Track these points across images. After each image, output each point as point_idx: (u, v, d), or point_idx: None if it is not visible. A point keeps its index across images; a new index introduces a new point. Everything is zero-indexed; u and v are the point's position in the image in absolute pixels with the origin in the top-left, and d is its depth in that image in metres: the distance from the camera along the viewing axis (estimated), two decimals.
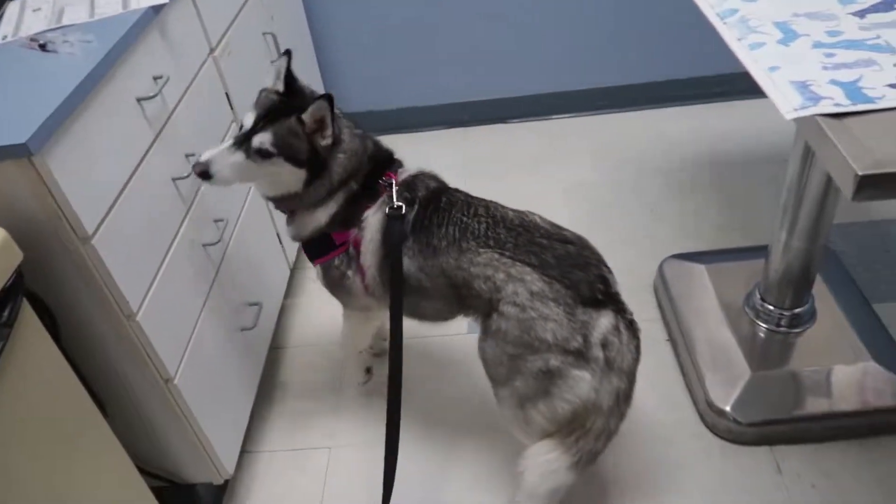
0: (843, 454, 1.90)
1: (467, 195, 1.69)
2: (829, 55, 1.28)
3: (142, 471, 1.61)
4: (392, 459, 1.61)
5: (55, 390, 1.33)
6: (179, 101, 1.73)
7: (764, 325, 2.12)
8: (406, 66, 3.27)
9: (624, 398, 1.51)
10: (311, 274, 2.09)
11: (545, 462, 1.52)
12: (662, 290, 2.36)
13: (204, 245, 1.78)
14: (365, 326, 2.06)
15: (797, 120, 1.15)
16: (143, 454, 1.71)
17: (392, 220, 1.61)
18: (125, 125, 1.51)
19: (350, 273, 1.72)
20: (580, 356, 1.44)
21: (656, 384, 2.13)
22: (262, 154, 1.51)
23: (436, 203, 1.63)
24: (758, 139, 3.09)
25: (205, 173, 1.51)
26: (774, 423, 1.95)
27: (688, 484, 1.88)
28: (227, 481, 1.86)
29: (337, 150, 1.59)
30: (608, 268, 1.56)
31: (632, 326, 1.52)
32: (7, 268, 1.16)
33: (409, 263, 1.60)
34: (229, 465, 1.83)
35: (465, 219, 1.59)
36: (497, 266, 1.50)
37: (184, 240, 1.68)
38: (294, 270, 2.59)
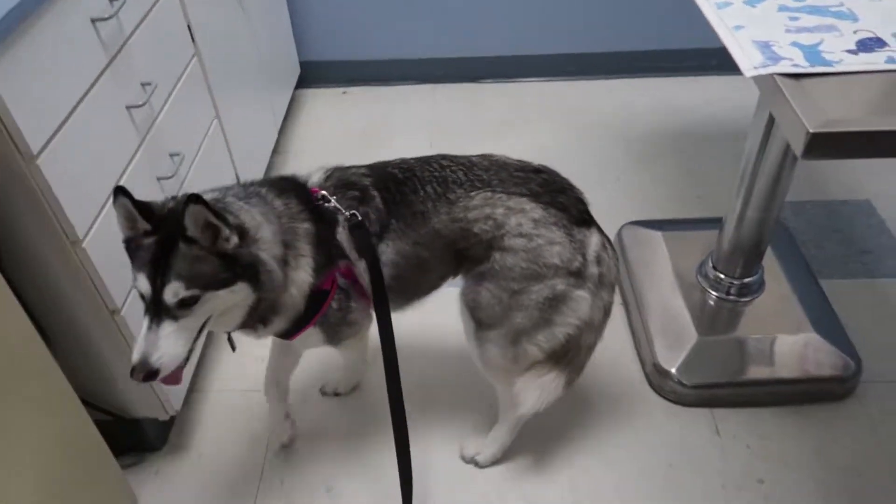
0: (780, 419, 1.96)
1: (409, 159, 1.60)
2: (794, 18, 1.29)
3: (86, 403, 1.59)
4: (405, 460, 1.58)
5: None
6: (137, 26, 1.67)
7: (714, 293, 2.17)
8: (379, 18, 3.22)
9: (608, 311, 1.62)
10: None
11: (544, 383, 1.59)
12: (619, 255, 2.39)
13: (158, 178, 1.74)
14: (363, 342, 1.91)
15: (756, 78, 1.17)
16: (88, 387, 1.68)
17: (354, 230, 1.46)
18: (78, 45, 1.44)
19: (353, 303, 1.57)
20: (580, 276, 1.51)
21: (607, 345, 2.12)
22: (186, 303, 1.25)
23: (392, 178, 1.53)
24: (723, 115, 3.13)
25: (150, 374, 1.25)
26: (716, 386, 2.01)
27: (630, 441, 1.94)
28: (172, 417, 1.85)
29: (251, 239, 1.32)
30: (579, 190, 1.60)
31: (610, 243, 1.60)
32: None
33: (402, 245, 1.51)
34: (176, 402, 1.82)
35: (436, 174, 1.53)
36: (494, 203, 1.48)
37: (136, 171, 1.64)
38: None
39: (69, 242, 1.42)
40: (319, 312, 1.51)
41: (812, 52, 1.19)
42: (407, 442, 1.56)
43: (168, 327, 1.25)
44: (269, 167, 2.83)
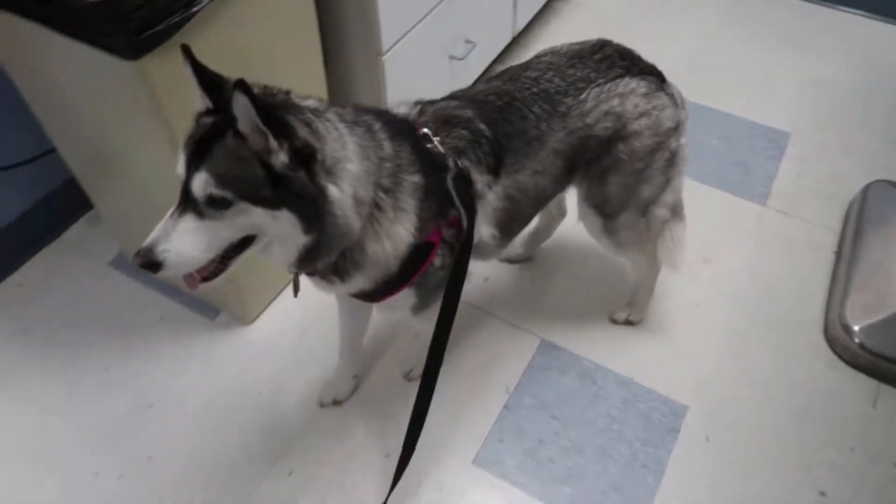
0: None
1: (492, 81, 1.48)
2: None
3: None
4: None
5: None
6: None
7: None
8: None
9: None
10: None
11: (675, 236, 1.75)
12: (857, 208, 2.22)
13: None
14: None
15: None
16: None
17: (457, 180, 1.30)
18: None
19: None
20: (681, 125, 1.56)
21: (800, 283, 2.10)
22: (215, 203, 1.05)
23: (493, 107, 1.39)
24: None
25: (150, 263, 1.07)
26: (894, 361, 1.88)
27: (780, 381, 1.92)
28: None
29: (322, 167, 1.08)
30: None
31: None
32: None
33: (520, 178, 1.41)
34: None
35: (534, 89, 1.42)
36: (605, 96, 1.44)
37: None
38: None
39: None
40: (420, 271, 1.33)
41: None
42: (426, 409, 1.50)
43: (189, 222, 1.07)
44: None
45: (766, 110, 2.62)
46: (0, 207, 2.10)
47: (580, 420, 1.84)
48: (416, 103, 1.39)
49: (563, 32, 2.92)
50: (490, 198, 1.38)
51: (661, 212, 1.66)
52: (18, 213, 2.14)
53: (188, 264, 1.09)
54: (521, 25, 2.62)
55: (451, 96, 1.44)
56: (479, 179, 1.35)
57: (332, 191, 1.09)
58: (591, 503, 1.69)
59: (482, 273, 2.14)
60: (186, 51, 1.04)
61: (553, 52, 1.52)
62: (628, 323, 2.02)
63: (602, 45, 1.51)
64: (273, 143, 1.02)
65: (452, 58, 2.16)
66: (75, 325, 2.04)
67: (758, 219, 2.29)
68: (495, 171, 1.37)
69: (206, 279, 1.14)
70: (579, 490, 1.71)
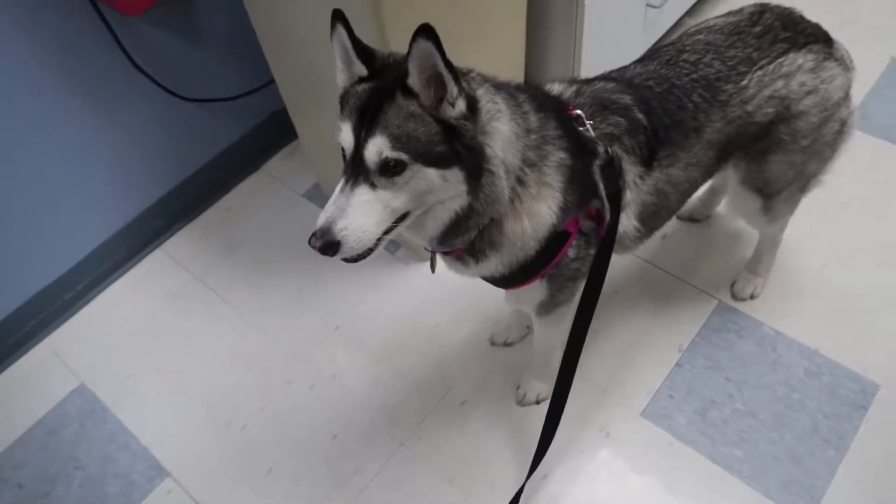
0: None
1: (650, 64, 1.38)
2: None
3: None
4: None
5: None
6: None
7: None
8: None
9: None
10: None
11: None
12: None
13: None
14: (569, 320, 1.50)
15: None
16: None
17: (605, 169, 1.24)
18: None
19: (591, 252, 1.35)
20: (850, 90, 1.45)
21: None
22: (390, 169, 1.03)
23: (651, 93, 1.32)
24: None
25: (328, 244, 1.04)
26: None
27: None
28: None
29: (480, 122, 1.08)
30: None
31: None
32: None
33: (673, 171, 1.35)
34: None
35: (693, 75, 1.32)
36: (769, 79, 1.33)
37: None
38: None
39: None
40: (555, 259, 1.27)
41: None
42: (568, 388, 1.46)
43: (363, 194, 1.04)
44: None
45: None
46: (222, 133, 2.33)
47: (756, 385, 1.78)
48: (572, 82, 1.34)
49: None
50: (638, 191, 1.32)
51: (822, 179, 1.56)
52: (236, 138, 2.37)
53: (364, 241, 1.05)
54: None
55: (608, 77, 1.37)
56: (631, 171, 1.30)
57: (490, 150, 1.09)
58: (765, 470, 1.65)
59: (660, 232, 2.10)
60: (339, 16, 1.03)
61: (709, 28, 1.41)
62: (752, 297, 1.92)
63: (761, 13, 1.40)
64: (454, 88, 1.01)
65: (649, 6, 2.10)
66: (274, 249, 2.25)
67: None
68: (648, 162, 1.30)
69: (359, 257, 1.09)
70: (752, 454, 1.67)
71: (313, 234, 1.04)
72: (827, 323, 1.86)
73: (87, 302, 2.19)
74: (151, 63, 1.98)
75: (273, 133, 2.43)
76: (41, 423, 1.95)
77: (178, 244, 2.31)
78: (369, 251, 1.09)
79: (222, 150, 2.35)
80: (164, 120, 2.13)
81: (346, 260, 1.09)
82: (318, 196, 2.34)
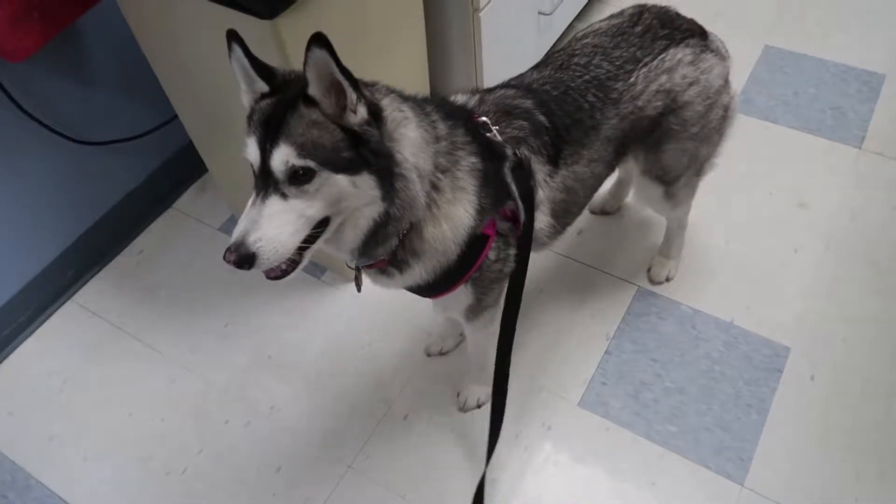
0: None
1: (543, 69, 1.45)
2: None
3: None
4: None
5: None
6: None
7: None
8: None
9: None
10: None
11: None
12: None
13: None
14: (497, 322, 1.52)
15: None
16: None
17: (515, 170, 1.29)
18: None
19: (511, 251, 1.37)
20: (728, 75, 1.54)
21: None
22: (299, 178, 1.03)
23: (549, 97, 1.38)
24: None
25: (244, 258, 1.03)
26: None
27: (883, 320, 1.91)
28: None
29: (386, 130, 1.09)
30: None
31: None
32: None
33: (578, 168, 1.41)
34: None
35: (586, 77, 1.40)
36: (654, 74, 1.42)
37: None
38: None
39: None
40: (477, 262, 1.30)
41: None
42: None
43: (275, 205, 1.04)
44: None
45: (859, 53, 2.56)
46: (127, 174, 2.26)
47: (681, 362, 1.88)
48: (474, 92, 1.38)
49: None
50: (549, 189, 1.37)
51: (715, 162, 1.67)
52: (143, 178, 2.30)
53: (281, 252, 1.05)
54: None
55: (507, 85, 1.42)
56: (540, 170, 1.35)
57: (398, 155, 1.10)
58: (698, 440, 1.74)
59: (575, 227, 2.18)
60: (234, 36, 1.04)
61: (595, 31, 1.49)
62: (668, 280, 2.03)
63: (640, 14, 1.49)
64: (353, 94, 1.02)
65: (541, 13, 2.19)
66: (195, 287, 2.19)
67: (854, 162, 2.25)
68: (555, 161, 1.36)
69: (284, 272, 1.10)
70: (685, 428, 1.76)
71: (227, 249, 1.03)
72: (737, 295, 1.98)
73: None
74: (43, 109, 1.91)
75: (181, 169, 2.37)
76: None
77: (92, 293, 2.21)
78: (294, 264, 1.10)
79: (129, 191, 2.27)
80: (63, 166, 2.05)
81: (271, 277, 1.10)
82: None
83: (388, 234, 1.17)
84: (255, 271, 1.07)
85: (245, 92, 1.11)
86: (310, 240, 1.09)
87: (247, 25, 1.34)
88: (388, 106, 1.11)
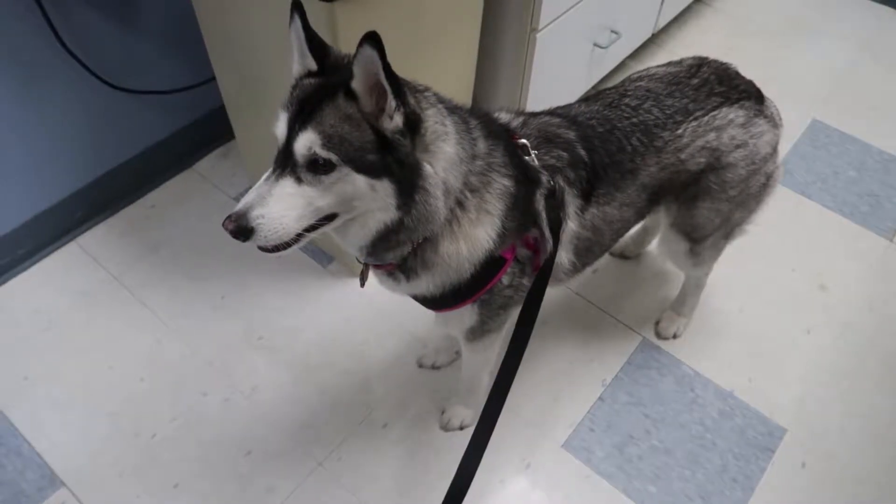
0: None
1: (594, 104, 1.42)
2: None
3: None
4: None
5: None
6: None
7: None
8: None
9: None
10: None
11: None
12: None
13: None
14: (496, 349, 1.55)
15: None
16: None
17: (548, 199, 1.25)
18: None
19: (525, 280, 1.34)
20: (777, 145, 1.52)
21: None
22: (318, 167, 1.01)
23: (594, 133, 1.35)
24: None
25: (241, 229, 1.01)
26: None
27: (886, 417, 1.86)
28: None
29: (421, 140, 1.06)
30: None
31: None
32: None
33: (608, 209, 1.37)
34: None
35: (634, 120, 1.37)
36: (702, 130, 1.39)
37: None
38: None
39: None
40: (489, 284, 1.26)
41: None
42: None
43: (287, 186, 1.02)
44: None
45: None
46: (152, 127, 2.23)
47: (673, 423, 1.83)
48: (519, 113, 1.36)
49: (698, 38, 2.87)
50: (576, 224, 1.34)
51: (746, 228, 1.64)
52: (168, 133, 2.27)
53: (280, 233, 1.03)
54: (662, 23, 2.60)
55: (553, 112, 1.40)
56: (572, 203, 1.31)
57: (427, 168, 1.07)
58: None
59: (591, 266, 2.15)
60: (298, 7, 1.01)
61: (651, 76, 1.47)
62: (675, 337, 1.99)
63: (699, 66, 1.46)
64: (393, 101, 0.99)
65: (596, 45, 2.16)
66: (199, 251, 2.15)
67: (883, 253, 2.21)
68: (587, 197, 1.33)
69: (276, 248, 1.07)
70: (665, 491, 1.71)
71: (228, 217, 1.02)
72: (741, 366, 1.94)
73: None
74: (81, 46, 1.87)
75: (208, 131, 2.34)
76: None
77: (96, 238, 2.17)
78: (287, 245, 1.07)
79: (152, 144, 2.24)
80: (89, 107, 2.01)
81: (262, 249, 1.08)
82: None
83: (400, 242, 1.14)
84: (252, 245, 1.05)
85: (296, 62, 1.09)
86: (311, 228, 1.07)
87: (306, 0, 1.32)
88: (431, 118, 1.08)
